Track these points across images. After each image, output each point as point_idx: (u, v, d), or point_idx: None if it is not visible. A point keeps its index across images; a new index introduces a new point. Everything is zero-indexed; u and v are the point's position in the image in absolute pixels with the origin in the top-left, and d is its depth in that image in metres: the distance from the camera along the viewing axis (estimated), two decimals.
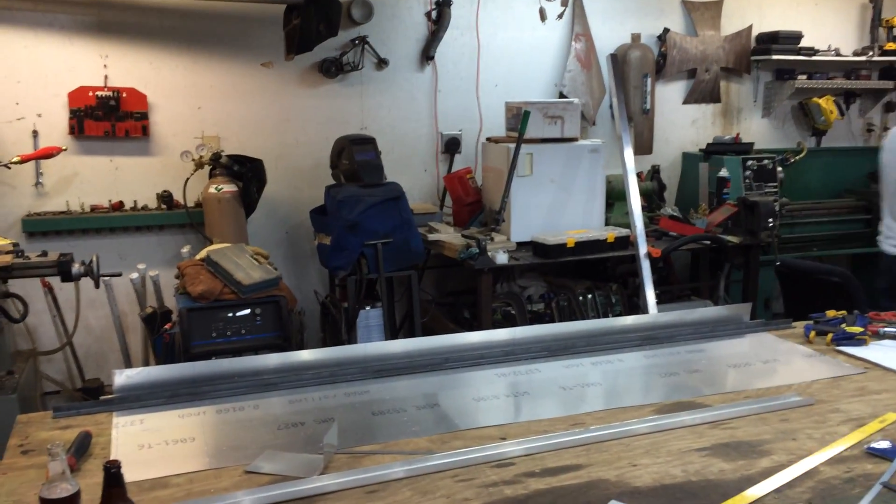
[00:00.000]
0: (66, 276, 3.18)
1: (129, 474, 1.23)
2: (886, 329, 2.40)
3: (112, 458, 1.26)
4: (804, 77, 5.43)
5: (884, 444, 1.66)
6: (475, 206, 4.41)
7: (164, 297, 3.86)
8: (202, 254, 3.55)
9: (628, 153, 3.91)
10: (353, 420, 1.84)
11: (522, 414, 1.89)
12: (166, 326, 3.49)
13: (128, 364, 3.96)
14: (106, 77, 4.00)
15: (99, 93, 3.95)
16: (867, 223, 5.21)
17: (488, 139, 4.42)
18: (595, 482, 1.52)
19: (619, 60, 4.21)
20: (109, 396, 1.90)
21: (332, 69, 4.37)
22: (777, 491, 1.48)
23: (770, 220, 4.13)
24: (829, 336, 2.36)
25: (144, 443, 1.70)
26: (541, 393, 2.02)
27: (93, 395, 3.26)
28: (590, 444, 1.69)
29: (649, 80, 4.92)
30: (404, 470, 1.56)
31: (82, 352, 4.07)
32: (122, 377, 1.93)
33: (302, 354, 2.17)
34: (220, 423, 1.83)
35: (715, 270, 4.50)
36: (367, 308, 3.85)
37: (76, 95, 3.93)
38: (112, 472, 1.17)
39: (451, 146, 4.72)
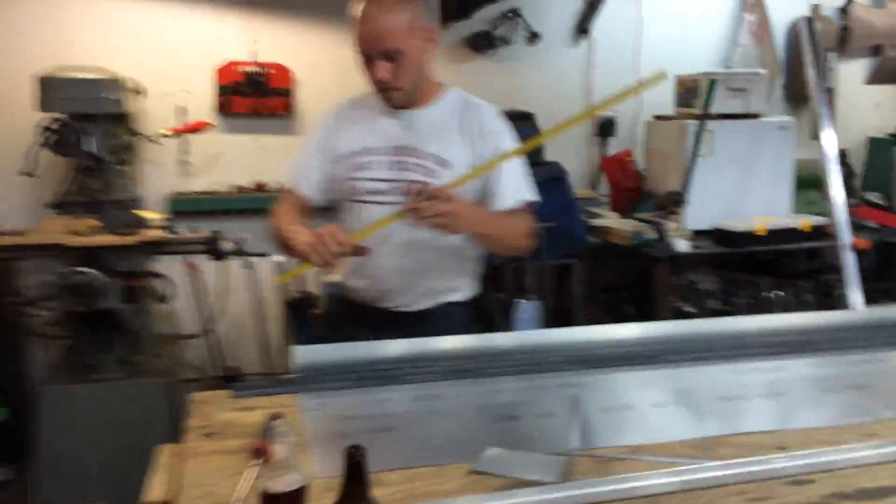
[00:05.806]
0: (217, 254, 3.03)
1: (332, 466, 0.94)
2: None
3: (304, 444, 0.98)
4: None
5: None
6: (635, 192, 4.00)
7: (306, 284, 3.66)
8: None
9: (828, 132, 3.40)
10: (577, 416, 1.50)
11: (795, 419, 1.50)
12: (314, 311, 3.27)
13: (266, 353, 3.78)
14: (254, 52, 3.84)
15: (248, 69, 3.80)
16: None
17: (656, 117, 4.00)
18: None
19: (812, 27, 3.71)
20: (291, 376, 1.65)
21: (483, 43, 4.07)
22: None
23: None
24: None
25: (340, 430, 1.42)
26: (806, 394, 1.62)
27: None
28: None
29: (832, 56, 4.38)
30: (679, 482, 1.21)
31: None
32: (304, 355, 1.67)
33: (496, 338, 1.86)
34: (421, 412, 1.53)
35: None
36: (521, 300, 3.51)
37: (225, 71, 3.79)
38: (355, 462, 0.87)
39: (605, 128, 4.33)
